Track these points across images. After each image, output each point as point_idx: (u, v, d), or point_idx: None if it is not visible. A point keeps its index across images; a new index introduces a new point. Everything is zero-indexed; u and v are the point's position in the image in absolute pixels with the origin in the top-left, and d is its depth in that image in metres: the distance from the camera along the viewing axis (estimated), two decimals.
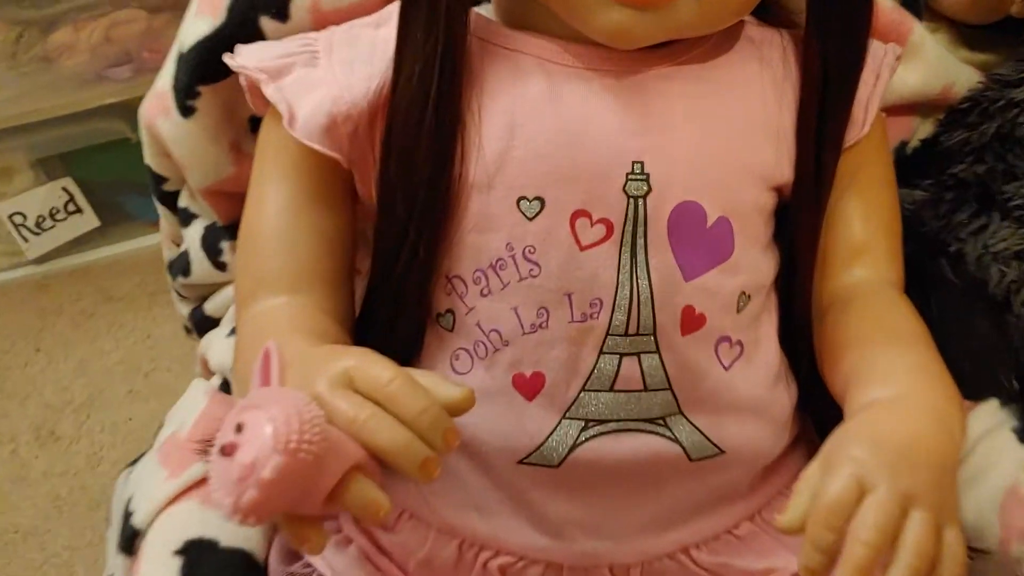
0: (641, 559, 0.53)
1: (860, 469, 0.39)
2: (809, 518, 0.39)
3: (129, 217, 1.31)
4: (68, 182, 1.26)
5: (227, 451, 0.35)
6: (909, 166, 0.64)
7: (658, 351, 0.50)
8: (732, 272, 0.51)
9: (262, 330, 0.49)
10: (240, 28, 0.57)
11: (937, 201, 0.61)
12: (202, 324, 0.69)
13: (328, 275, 0.52)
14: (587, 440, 0.50)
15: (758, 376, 0.53)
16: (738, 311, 0.51)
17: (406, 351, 0.53)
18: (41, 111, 1.17)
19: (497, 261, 0.49)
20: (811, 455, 0.56)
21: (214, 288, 0.68)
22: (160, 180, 0.66)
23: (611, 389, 0.50)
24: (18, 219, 1.25)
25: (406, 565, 0.55)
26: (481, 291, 0.50)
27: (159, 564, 0.54)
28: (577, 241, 0.48)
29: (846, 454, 0.40)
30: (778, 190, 0.53)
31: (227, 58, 0.53)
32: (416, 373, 0.40)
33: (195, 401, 0.63)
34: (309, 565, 0.56)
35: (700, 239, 0.50)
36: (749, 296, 0.52)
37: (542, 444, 0.50)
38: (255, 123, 0.58)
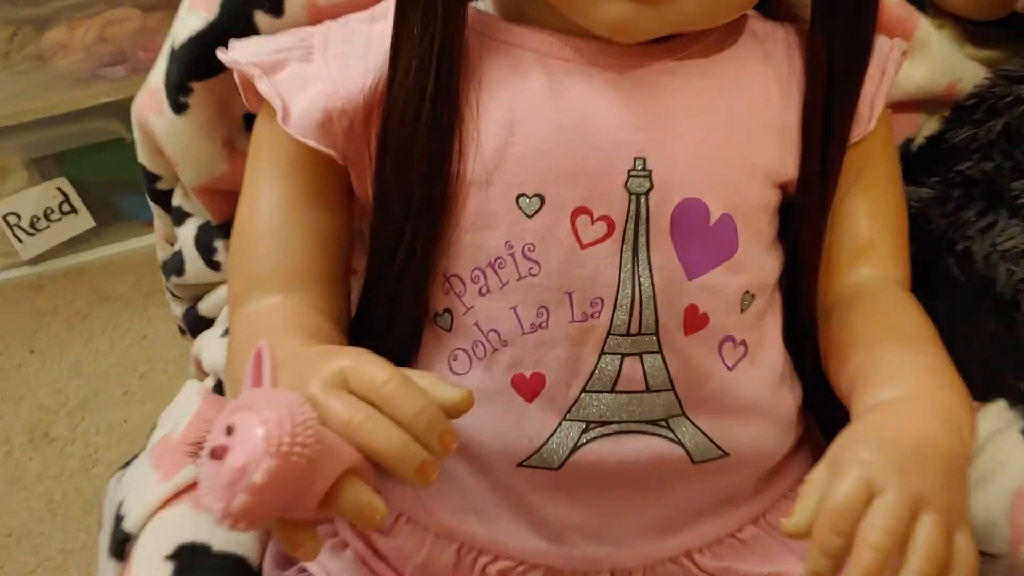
0: (643, 564, 0.53)
1: (868, 471, 0.39)
2: (816, 522, 0.38)
3: (124, 217, 1.31)
4: (63, 182, 1.26)
5: (217, 454, 0.34)
6: (914, 163, 0.64)
7: (661, 351, 0.49)
8: (736, 270, 0.50)
9: (255, 330, 0.48)
10: (234, 23, 0.57)
11: (944, 199, 0.61)
12: (196, 324, 0.69)
13: (323, 274, 0.52)
14: (588, 442, 0.50)
15: (762, 377, 0.52)
16: (742, 310, 0.51)
17: (403, 351, 0.52)
18: (35, 110, 1.16)
19: (496, 260, 0.48)
20: (816, 457, 0.56)
21: (208, 288, 0.68)
22: (153, 178, 0.66)
23: (613, 390, 0.49)
24: (12, 219, 1.25)
25: (403, 570, 0.54)
26: (479, 290, 0.49)
27: (151, 569, 0.53)
28: (578, 239, 0.48)
29: (854, 456, 0.40)
30: (782, 187, 0.52)
31: (220, 53, 0.53)
32: (413, 374, 0.39)
33: (188, 403, 0.62)
34: (304, 570, 0.55)
35: (703, 237, 0.49)
36: (753, 295, 0.51)
37: (542, 446, 0.50)
38: (249, 120, 0.57)
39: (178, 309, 0.71)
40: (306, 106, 0.49)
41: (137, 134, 0.63)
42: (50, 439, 1.12)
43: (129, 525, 0.55)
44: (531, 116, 0.48)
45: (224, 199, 0.62)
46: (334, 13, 0.55)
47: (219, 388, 0.64)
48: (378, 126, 0.49)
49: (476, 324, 0.50)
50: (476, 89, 0.48)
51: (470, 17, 0.48)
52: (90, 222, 1.29)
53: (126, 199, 1.28)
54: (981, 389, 0.55)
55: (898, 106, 0.62)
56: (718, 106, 0.50)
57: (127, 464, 0.61)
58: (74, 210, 1.28)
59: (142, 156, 0.65)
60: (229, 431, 0.34)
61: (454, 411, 0.39)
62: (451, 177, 0.48)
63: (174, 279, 0.68)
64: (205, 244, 0.65)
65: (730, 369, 0.51)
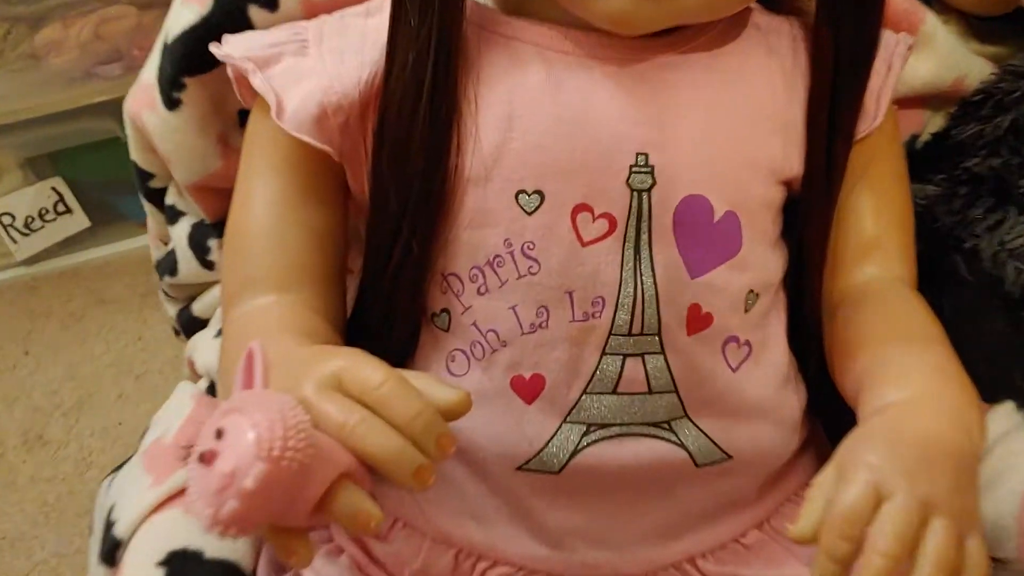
0: (645, 570, 0.52)
1: (876, 475, 0.38)
2: (823, 527, 0.38)
3: (120, 217, 1.31)
4: (57, 182, 1.26)
5: (206, 459, 0.33)
6: (920, 161, 0.63)
7: (663, 352, 0.48)
8: (740, 269, 0.49)
9: (248, 330, 0.48)
10: (227, 17, 0.56)
11: (951, 196, 0.60)
12: (190, 325, 0.68)
13: (319, 273, 0.51)
14: (589, 445, 0.49)
15: (767, 377, 0.52)
16: (746, 310, 0.50)
17: (400, 352, 0.51)
18: (29, 109, 1.16)
19: (495, 258, 0.48)
20: (820, 459, 0.56)
21: (202, 288, 0.67)
22: (146, 176, 0.65)
23: (614, 392, 0.49)
24: (7, 220, 1.25)
25: None
26: (478, 289, 0.48)
27: None
28: (578, 236, 0.47)
29: (861, 459, 0.39)
30: (787, 184, 0.52)
31: (213, 47, 0.52)
32: (409, 375, 0.39)
33: (181, 405, 0.62)
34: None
35: (707, 234, 0.48)
36: (757, 294, 0.51)
37: (542, 449, 0.49)
38: (244, 116, 0.57)
39: (172, 310, 0.70)
40: (301, 101, 0.48)
41: (129, 131, 0.63)
42: (44, 441, 1.12)
43: (120, 531, 0.54)
44: (530, 110, 0.47)
45: (218, 197, 0.61)
46: (329, 7, 0.54)
47: (213, 390, 0.63)
48: (374, 121, 0.48)
49: (474, 324, 0.49)
50: (474, 83, 0.48)
51: (468, 10, 0.47)
52: (85, 222, 1.29)
53: (122, 199, 1.28)
54: (988, 390, 0.54)
55: (903, 102, 0.62)
56: (721, 100, 0.49)
57: (119, 467, 0.60)
58: (69, 210, 1.28)
59: (135, 154, 0.64)
60: (219, 435, 0.33)
61: (452, 414, 0.38)
62: (449, 173, 0.47)
63: (167, 279, 0.67)
64: (199, 243, 0.64)
65: (734, 370, 0.50)
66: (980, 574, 0.38)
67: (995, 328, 0.58)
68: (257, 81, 0.49)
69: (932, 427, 0.41)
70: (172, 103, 0.58)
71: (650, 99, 0.48)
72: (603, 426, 0.49)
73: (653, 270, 0.47)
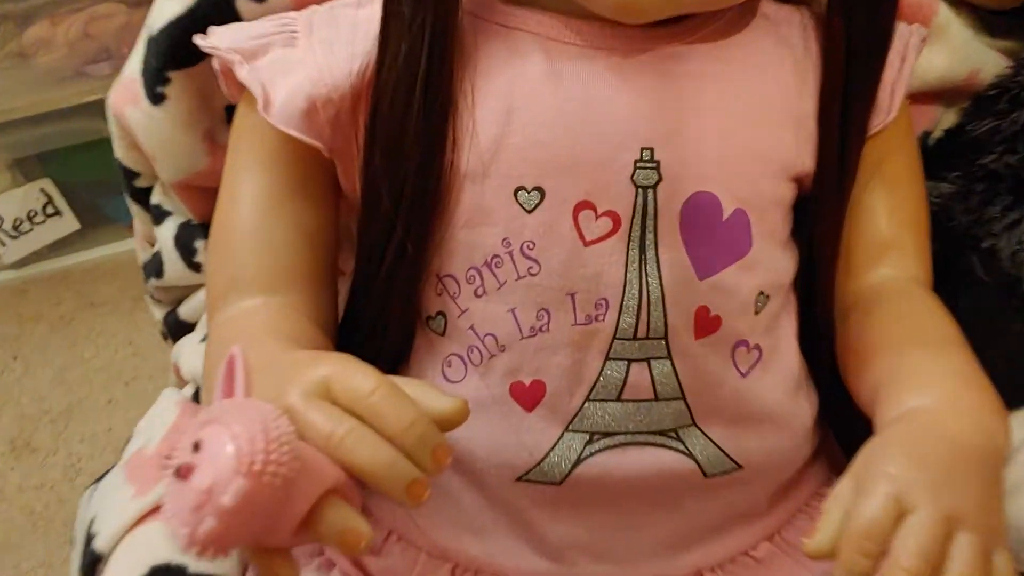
0: None
1: (898, 487, 0.37)
2: (842, 542, 0.36)
3: (110, 220, 1.32)
4: (46, 183, 1.27)
5: (182, 473, 0.31)
6: (933, 158, 0.62)
7: (670, 356, 0.47)
8: (749, 270, 0.48)
9: (234, 334, 0.46)
10: (214, 8, 0.55)
11: (967, 194, 0.59)
12: (176, 329, 0.67)
13: (308, 275, 0.50)
14: (592, 455, 0.48)
15: (777, 383, 0.51)
16: (756, 312, 0.49)
17: (393, 357, 0.50)
18: (17, 109, 1.17)
19: (493, 258, 0.46)
20: (832, 469, 0.56)
21: (189, 291, 0.66)
22: (131, 175, 0.64)
23: (618, 398, 0.48)
24: None
25: None
26: (475, 291, 0.47)
27: None
28: (581, 236, 0.46)
29: (881, 470, 0.38)
30: (798, 181, 0.51)
31: (198, 39, 0.51)
32: (403, 382, 0.37)
33: (165, 412, 0.60)
34: None
35: (715, 233, 0.47)
36: (768, 296, 0.50)
37: (542, 459, 0.48)
38: (231, 112, 0.55)
39: (159, 313, 0.69)
40: (289, 94, 0.47)
41: (113, 128, 0.62)
42: (32, 448, 1.12)
43: (100, 545, 0.53)
44: (530, 103, 0.46)
45: (204, 196, 0.60)
46: None
47: (199, 397, 0.62)
48: (366, 115, 0.47)
49: (471, 328, 0.48)
50: (471, 74, 0.46)
51: None
52: (75, 224, 1.30)
53: (112, 201, 1.28)
54: (1008, 394, 0.52)
55: (916, 97, 0.60)
56: (730, 93, 0.48)
57: (101, 477, 0.59)
58: (58, 212, 1.29)
59: (119, 152, 0.63)
60: (196, 447, 0.32)
61: (448, 423, 0.37)
62: (444, 169, 0.46)
63: (153, 281, 0.66)
64: (185, 244, 0.63)
65: (743, 375, 0.49)
66: None
67: (1013, 330, 0.56)
68: (243, 73, 0.48)
69: (955, 435, 0.40)
70: (156, 98, 0.57)
71: (656, 91, 0.46)
72: (607, 435, 0.48)
73: (659, 271, 0.46)
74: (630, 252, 0.46)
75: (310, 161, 0.49)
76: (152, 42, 0.56)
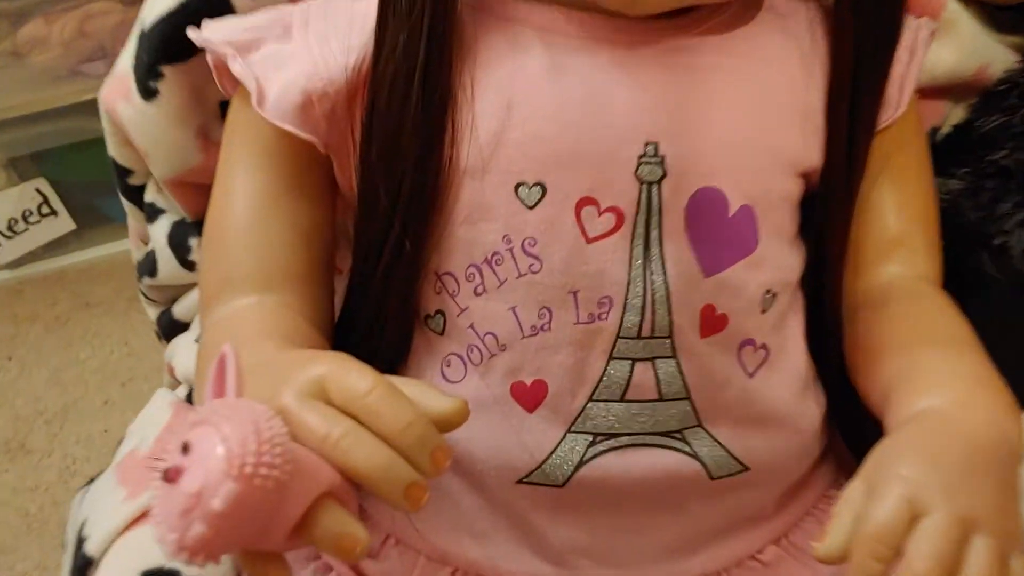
0: None
1: (911, 489, 0.36)
2: (854, 545, 0.36)
3: (106, 219, 1.30)
4: (42, 183, 1.26)
5: (171, 477, 0.30)
6: (941, 154, 0.61)
7: (675, 356, 0.47)
8: (756, 267, 0.48)
9: (227, 334, 0.46)
10: (208, 2, 0.54)
11: (976, 190, 0.59)
12: (170, 329, 0.67)
13: (304, 273, 0.50)
14: (595, 456, 0.47)
15: (785, 383, 0.50)
16: (763, 311, 0.48)
17: (391, 357, 0.50)
18: (12, 108, 1.16)
19: (493, 255, 0.46)
20: (840, 471, 0.55)
21: (182, 290, 0.66)
22: (124, 173, 0.64)
23: (622, 399, 0.47)
24: None
25: None
26: (475, 289, 0.47)
27: None
28: (583, 232, 0.45)
29: (894, 472, 0.37)
30: (805, 177, 0.50)
31: (191, 32, 0.50)
32: (400, 382, 0.37)
33: (158, 413, 0.60)
34: None
35: (721, 230, 0.47)
36: (775, 294, 0.49)
37: (544, 461, 0.47)
38: (226, 108, 0.54)
39: (152, 313, 0.69)
40: (283, 88, 0.47)
41: (106, 125, 0.61)
42: (27, 450, 1.12)
43: (91, 548, 0.53)
44: (531, 97, 0.46)
45: (198, 193, 0.59)
46: None
47: (192, 397, 0.61)
48: (363, 109, 0.46)
49: (471, 327, 0.47)
50: (470, 68, 0.46)
51: None
52: (70, 224, 1.29)
53: (108, 200, 1.28)
54: (1021, 394, 0.52)
55: (924, 92, 0.60)
56: (737, 86, 0.47)
57: (92, 480, 0.58)
58: (54, 212, 1.27)
59: (112, 149, 0.62)
60: (185, 449, 0.31)
61: (447, 424, 0.36)
62: (443, 165, 0.46)
63: (147, 280, 0.66)
64: (179, 242, 0.63)
65: (750, 375, 0.48)
66: None
67: None
68: (237, 67, 0.47)
69: (969, 435, 0.39)
70: (148, 93, 0.57)
71: (660, 85, 0.46)
72: (610, 436, 0.47)
73: (664, 268, 0.46)
74: (634, 249, 0.46)
75: (305, 157, 0.48)
76: (144, 37, 0.56)
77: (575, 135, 0.45)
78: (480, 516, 0.50)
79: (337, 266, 0.53)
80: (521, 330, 0.46)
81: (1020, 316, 0.56)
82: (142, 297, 0.68)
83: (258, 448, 0.30)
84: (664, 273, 0.45)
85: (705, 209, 0.46)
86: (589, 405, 0.47)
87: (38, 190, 1.24)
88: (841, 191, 0.50)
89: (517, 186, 0.45)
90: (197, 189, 0.60)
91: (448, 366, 0.48)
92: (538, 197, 0.45)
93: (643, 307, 0.46)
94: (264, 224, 0.49)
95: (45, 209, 1.25)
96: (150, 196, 0.64)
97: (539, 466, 0.47)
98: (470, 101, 0.45)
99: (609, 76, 0.46)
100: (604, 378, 0.46)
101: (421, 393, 0.36)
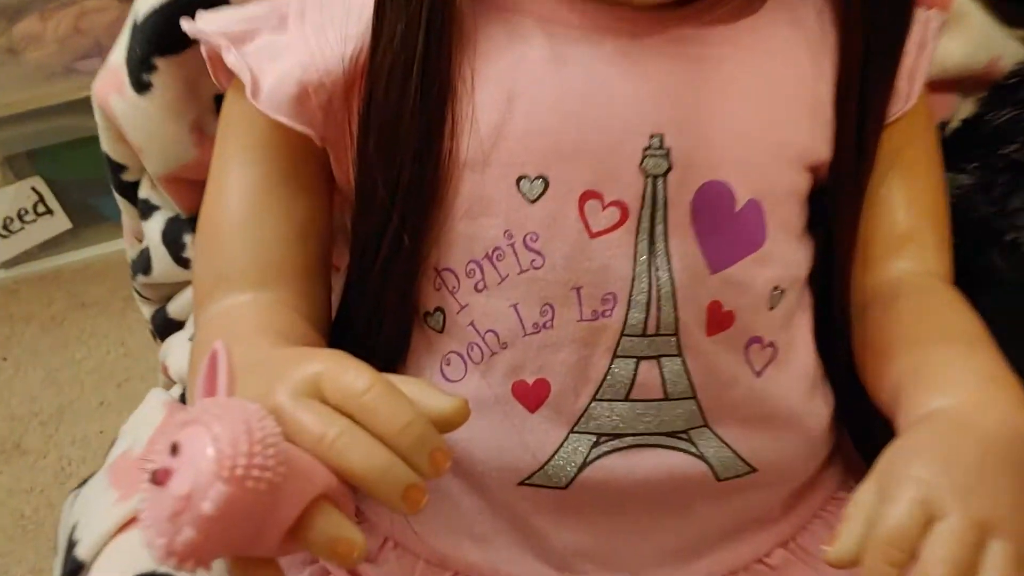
0: None
1: (925, 492, 0.35)
2: (866, 550, 0.35)
3: (102, 218, 1.31)
4: (37, 181, 1.26)
5: (159, 479, 0.29)
6: (950, 148, 0.60)
7: (681, 354, 0.46)
8: (764, 263, 0.47)
9: (222, 331, 0.45)
10: None
11: (988, 185, 0.59)
12: (164, 327, 0.66)
13: (300, 269, 0.49)
14: (599, 457, 0.47)
15: (793, 382, 0.49)
16: (770, 308, 0.48)
17: (389, 355, 0.49)
18: (7, 106, 1.16)
19: (494, 251, 0.45)
20: (848, 472, 0.55)
21: (177, 288, 0.65)
22: (118, 169, 0.63)
23: (627, 398, 0.46)
24: None
25: None
26: (475, 286, 0.46)
27: None
28: (587, 227, 0.45)
29: (907, 474, 0.36)
30: (813, 170, 0.49)
31: (185, 23, 0.50)
32: (398, 380, 0.36)
33: (152, 413, 0.60)
34: None
35: (728, 225, 0.46)
36: (783, 291, 0.48)
37: (547, 462, 0.47)
38: (221, 102, 0.54)
39: (147, 311, 0.68)
40: (278, 79, 0.46)
41: (99, 119, 0.60)
42: (22, 451, 1.11)
43: (82, 552, 0.52)
44: (532, 89, 0.45)
45: (193, 189, 0.59)
46: None
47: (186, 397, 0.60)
48: (360, 101, 0.46)
49: (472, 324, 0.47)
50: (470, 58, 0.45)
51: None
52: (66, 223, 1.29)
53: (104, 199, 1.28)
54: None
55: (933, 85, 0.59)
56: (744, 77, 0.47)
57: (84, 482, 0.58)
58: (49, 211, 1.27)
59: (105, 144, 0.62)
60: (174, 450, 0.29)
61: (447, 424, 0.35)
62: (443, 157, 0.45)
63: (141, 278, 0.65)
64: (173, 239, 0.62)
65: (757, 374, 0.48)
66: None
67: None
68: (231, 58, 0.47)
69: (984, 436, 0.38)
70: (142, 86, 0.56)
71: (666, 75, 0.45)
72: (615, 436, 0.47)
73: (669, 264, 0.45)
74: (639, 244, 0.45)
75: (301, 150, 0.48)
76: (137, 29, 0.56)
77: (578, 127, 0.44)
78: (480, 519, 0.49)
79: (334, 262, 0.52)
80: (523, 327, 0.46)
81: None
82: (136, 295, 0.68)
83: (250, 449, 0.29)
84: (669, 269, 0.45)
85: (712, 203, 0.45)
86: (593, 405, 0.46)
87: (33, 188, 1.24)
88: (850, 185, 0.50)
89: (519, 179, 0.45)
90: (192, 185, 0.59)
91: (448, 365, 0.48)
92: (540, 191, 0.45)
93: (648, 304, 0.45)
94: (259, 219, 0.48)
95: (41, 208, 1.26)
96: (144, 193, 0.63)
97: (541, 467, 0.47)
98: (470, 92, 0.45)
99: (612, 67, 0.45)
100: (608, 377, 0.46)
101: (420, 392, 0.36)
